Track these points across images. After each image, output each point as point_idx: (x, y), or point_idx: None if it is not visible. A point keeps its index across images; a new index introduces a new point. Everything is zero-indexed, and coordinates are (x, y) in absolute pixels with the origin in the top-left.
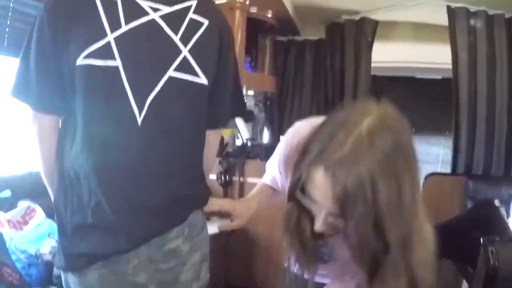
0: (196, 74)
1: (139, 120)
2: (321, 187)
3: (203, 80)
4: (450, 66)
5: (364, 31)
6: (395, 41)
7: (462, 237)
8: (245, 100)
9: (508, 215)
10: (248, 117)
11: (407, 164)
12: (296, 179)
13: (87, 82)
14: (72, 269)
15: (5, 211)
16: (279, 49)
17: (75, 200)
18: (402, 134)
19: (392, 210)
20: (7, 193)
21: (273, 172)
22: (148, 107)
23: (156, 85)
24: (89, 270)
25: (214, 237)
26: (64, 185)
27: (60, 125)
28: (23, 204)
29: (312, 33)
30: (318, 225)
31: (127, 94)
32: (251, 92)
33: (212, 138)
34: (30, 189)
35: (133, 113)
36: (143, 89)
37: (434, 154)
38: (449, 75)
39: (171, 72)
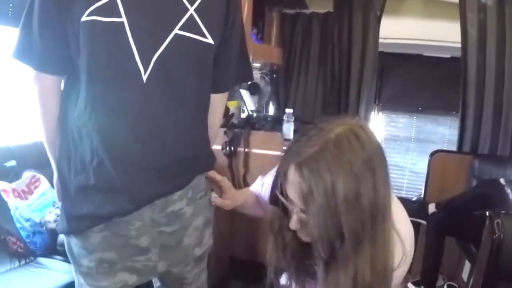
0: (202, 34)
1: (144, 78)
2: (292, 184)
3: (209, 39)
4: (459, 45)
5: (373, 4)
6: (404, 17)
7: (466, 215)
8: (251, 65)
9: None
10: (254, 89)
11: (371, 172)
12: (276, 180)
13: (92, 38)
14: (75, 232)
15: (10, 181)
16: (286, 21)
17: (78, 161)
18: (370, 145)
19: (349, 207)
20: (12, 163)
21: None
22: (154, 64)
23: (161, 43)
24: (92, 232)
25: (217, 207)
26: (67, 146)
27: (62, 87)
28: (28, 174)
29: (320, 6)
30: (292, 223)
31: (132, 51)
32: (257, 65)
33: (217, 103)
34: (35, 159)
35: (138, 70)
36: (148, 46)
37: (440, 134)
38: (458, 53)
39: (176, 30)
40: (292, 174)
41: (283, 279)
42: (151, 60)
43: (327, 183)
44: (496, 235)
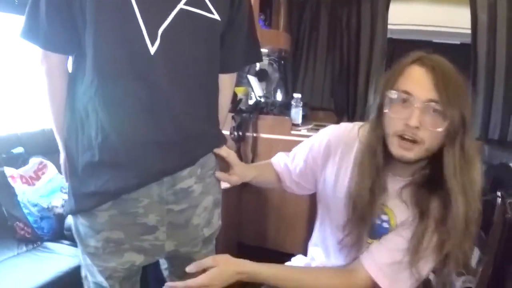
0: (208, 10)
1: (152, 50)
2: (418, 78)
3: (215, 15)
4: (469, 31)
5: None
6: (413, 2)
7: None
8: (260, 46)
9: None
10: (262, 76)
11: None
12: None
13: (98, 11)
14: (82, 210)
15: (18, 168)
16: (293, 8)
17: (85, 139)
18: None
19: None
20: (19, 149)
21: (293, 159)
22: (161, 38)
23: (167, 16)
24: (99, 211)
25: (225, 192)
26: (75, 125)
27: (70, 67)
28: (35, 160)
29: None
30: (414, 119)
31: (139, 24)
32: (265, 51)
33: (226, 83)
34: (42, 146)
35: (145, 43)
36: (154, 20)
37: None
38: (468, 40)
39: (182, 5)
40: (417, 70)
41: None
42: (158, 33)
43: (452, 70)
44: (509, 215)
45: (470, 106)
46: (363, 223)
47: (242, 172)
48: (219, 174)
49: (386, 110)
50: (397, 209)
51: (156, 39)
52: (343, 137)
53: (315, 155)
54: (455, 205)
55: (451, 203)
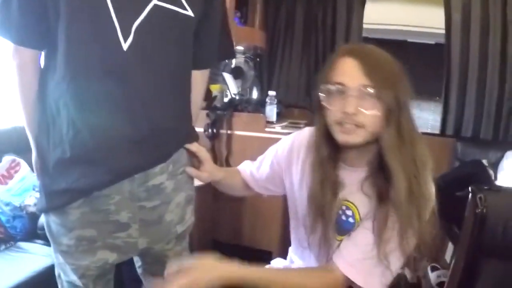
0: (182, 6)
1: (125, 46)
2: (349, 66)
3: (189, 12)
4: (443, 31)
5: None
6: (388, 2)
7: (449, 196)
8: (234, 44)
9: (495, 178)
10: (237, 73)
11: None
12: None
13: (71, 6)
14: (54, 208)
15: None
16: (269, 5)
17: (56, 134)
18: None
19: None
20: None
21: (260, 166)
22: (134, 34)
23: (141, 12)
24: (70, 209)
25: (199, 189)
26: (46, 120)
27: (42, 63)
28: (8, 158)
29: None
30: (350, 106)
31: (112, 19)
32: (240, 48)
33: (199, 80)
34: (14, 144)
35: (118, 39)
36: (128, 15)
37: (423, 119)
38: (442, 40)
39: (155, 1)
40: (347, 61)
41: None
42: (131, 28)
43: (383, 56)
44: (479, 210)
45: (405, 88)
46: (325, 220)
47: (212, 170)
48: (189, 169)
49: (324, 103)
50: (360, 202)
51: (129, 35)
52: (305, 140)
53: (279, 159)
54: (396, 182)
55: (393, 180)
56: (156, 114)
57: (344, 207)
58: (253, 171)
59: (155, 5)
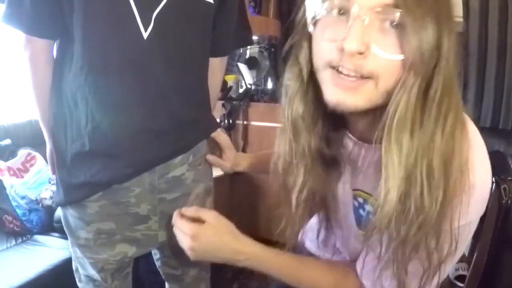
0: None
1: (145, 35)
2: None
3: None
4: (461, 19)
5: None
6: None
7: None
8: (251, 30)
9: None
10: (252, 63)
11: None
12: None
13: None
14: (72, 202)
15: (5, 160)
16: None
17: (74, 127)
18: None
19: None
20: (7, 141)
21: None
22: (154, 22)
23: (160, 0)
24: (89, 202)
25: (216, 180)
26: (62, 113)
27: (55, 53)
28: (23, 152)
29: None
30: (354, 35)
31: (131, 7)
32: (255, 38)
33: (216, 67)
34: (30, 137)
35: (138, 27)
36: (148, 3)
37: None
38: (460, 29)
39: None
40: None
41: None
42: (151, 17)
43: None
44: (504, 201)
45: (452, 24)
46: (324, 207)
47: (234, 158)
48: (210, 157)
49: (312, 32)
50: (367, 183)
51: (149, 23)
52: None
53: None
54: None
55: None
56: (176, 105)
57: (359, 200)
58: None
59: None
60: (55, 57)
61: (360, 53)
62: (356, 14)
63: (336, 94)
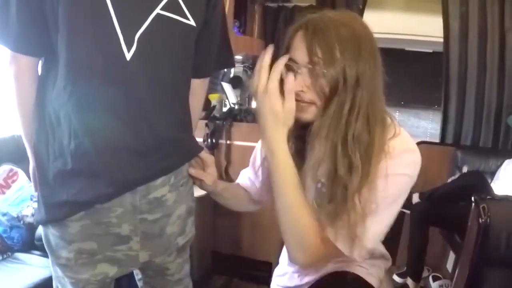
0: (184, 15)
1: (128, 56)
2: (300, 43)
3: (191, 21)
4: (441, 40)
5: None
6: (386, 11)
7: (450, 205)
8: (232, 51)
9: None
10: (236, 83)
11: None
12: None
13: (72, 15)
14: (53, 220)
15: None
16: (268, 15)
17: (56, 145)
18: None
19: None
20: None
21: (252, 165)
22: (137, 43)
23: (144, 21)
24: (71, 221)
25: (199, 200)
26: (45, 130)
27: (40, 70)
28: (5, 168)
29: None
30: (297, 83)
31: (115, 29)
32: (239, 57)
33: (198, 88)
34: (12, 153)
35: (121, 48)
36: (131, 24)
37: (422, 128)
38: (440, 48)
39: (158, 10)
40: (299, 35)
41: None
42: (134, 38)
43: (344, 28)
44: (483, 219)
45: (365, 60)
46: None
47: (214, 177)
48: (193, 171)
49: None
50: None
51: (132, 44)
52: None
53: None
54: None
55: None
56: (159, 125)
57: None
58: (250, 176)
59: (158, 14)
60: (39, 74)
61: (302, 91)
62: (298, 70)
63: (296, 114)
